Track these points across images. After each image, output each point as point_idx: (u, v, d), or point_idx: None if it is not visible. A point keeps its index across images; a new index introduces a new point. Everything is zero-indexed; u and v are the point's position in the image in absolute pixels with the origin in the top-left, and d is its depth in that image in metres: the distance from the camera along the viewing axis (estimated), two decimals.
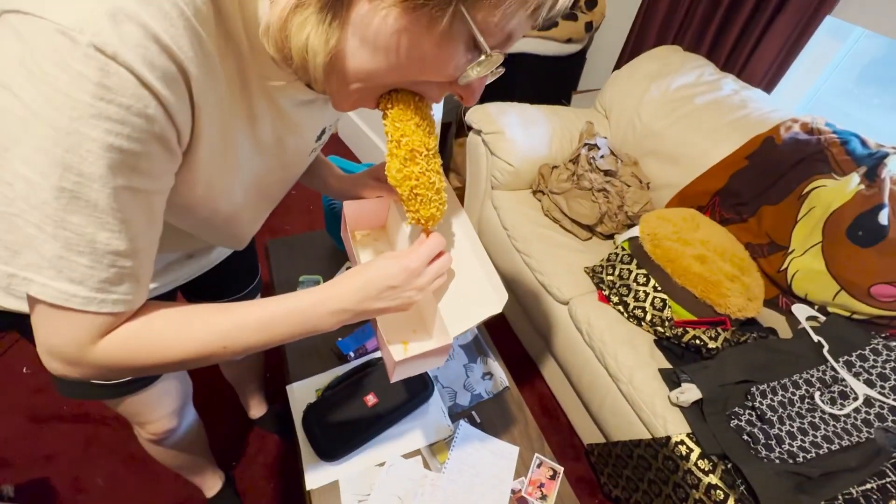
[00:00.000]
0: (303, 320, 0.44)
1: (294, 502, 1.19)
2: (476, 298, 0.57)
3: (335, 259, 1.17)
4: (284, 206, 2.05)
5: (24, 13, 0.25)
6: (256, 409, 1.27)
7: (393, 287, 0.46)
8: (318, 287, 0.46)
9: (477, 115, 1.60)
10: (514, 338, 1.65)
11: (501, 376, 1.03)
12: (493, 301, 0.55)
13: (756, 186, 1.32)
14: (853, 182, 1.14)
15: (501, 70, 0.38)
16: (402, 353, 0.56)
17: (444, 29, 0.31)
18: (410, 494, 0.83)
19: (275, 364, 1.31)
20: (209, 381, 1.22)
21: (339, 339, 0.99)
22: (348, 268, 0.77)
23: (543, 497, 0.87)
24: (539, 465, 0.91)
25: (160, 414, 0.76)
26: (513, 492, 0.86)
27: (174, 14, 0.28)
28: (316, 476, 0.82)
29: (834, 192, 1.15)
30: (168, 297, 0.69)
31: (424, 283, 0.48)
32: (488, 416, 0.96)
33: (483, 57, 0.34)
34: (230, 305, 0.43)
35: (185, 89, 0.31)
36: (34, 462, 1.15)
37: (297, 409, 0.88)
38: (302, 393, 0.91)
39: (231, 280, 0.87)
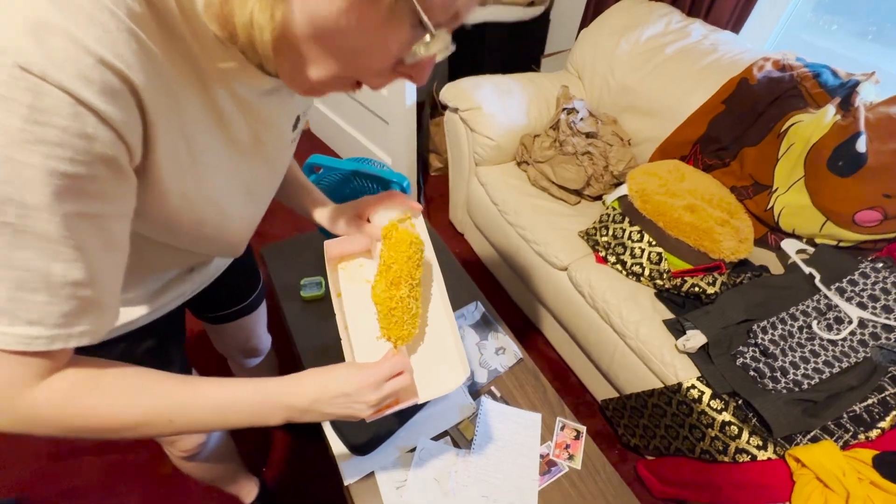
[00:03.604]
0: (255, 411, 0.44)
1: (331, 498, 1.21)
2: (446, 369, 0.61)
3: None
4: (268, 211, 2.03)
5: None
6: None
7: (346, 395, 0.46)
8: (276, 379, 0.45)
9: (451, 93, 1.58)
10: (518, 310, 1.68)
11: (514, 349, 1.05)
12: (459, 374, 0.59)
13: (735, 130, 1.34)
14: (829, 114, 1.16)
15: (451, 49, 0.36)
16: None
17: (388, 5, 0.29)
18: (445, 474, 0.85)
19: (289, 366, 1.31)
20: None
21: None
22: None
23: (571, 457, 0.91)
24: (562, 428, 0.94)
25: None
26: (541, 457, 0.89)
27: (105, 19, 0.26)
28: (352, 470, 0.84)
29: (811, 127, 1.17)
30: (176, 315, 0.68)
31: (376, 401, 0.48)
32: (507, 389, 0.99)
33: (428, 37, 0.33)
34: (190, 378, 0.42)
35: (131, 101, 0.29)
36: (62, 498, 1.15)
37: None
38: None
39: (235, 289, 0.86)
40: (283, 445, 1.31)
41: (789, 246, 1.20)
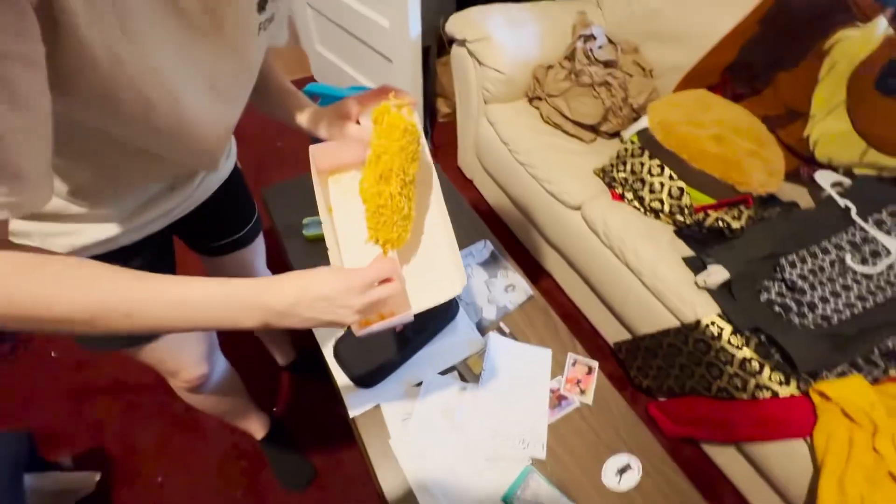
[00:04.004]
0: (226, 307, 0.40)
1: (340, 433, 1.23)
2: (440, 278, 0.55)
3: None
4: (275, 159, 1.98)
5: None
6: (285, 357, 1.28)
7: (328, 299, 0.42)
8: (251, 279, 0.42)
9: (458, 24, 1.46)
10: (528, 254, 1.63)
11: (524, 286, 1.01)
12: (455, 282, 0.54)
13: (770, 53, 1.22)
14: (880, 27, 1.04)
15: None
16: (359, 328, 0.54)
17: None
18: (451, 408, 0.83)
19: None
20: (231, 334, 1.22)
21: None
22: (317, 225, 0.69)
23: (582, 392, 0.88)
24: (574, 364, 0.91)
25: (188, 361, 0.75)
26: (552, 392, 0.87)
27: None
28: (357, 404, 0.82)
29: (859, 43, 1.05)
30: (162, 240, 0.65)
31: (361, 306, 0.44)
32: (517, 326, 0.95)
33: None
34: (149, 274, 0.38)
35: None
36: (84, 433, 1.19)
37: (326, 343, 0.87)
38: (328, 329, 0.90)
39: (229, 219, 0.83)
40: (289, 383, 1.32)
41: (823, 178, 1.11)
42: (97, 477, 1.06)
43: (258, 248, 0.92)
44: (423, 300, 0.50)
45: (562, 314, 1.50)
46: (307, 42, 2.14)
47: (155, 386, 1.26)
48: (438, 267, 0.56)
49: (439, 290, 0.52)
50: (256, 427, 1.11)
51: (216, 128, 0.50)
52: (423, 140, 0.54)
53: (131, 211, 0.57)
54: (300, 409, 1.27)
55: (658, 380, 1.18)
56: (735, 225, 1.06)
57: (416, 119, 0.52)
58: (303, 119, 0.63)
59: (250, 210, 0.87)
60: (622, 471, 0.78)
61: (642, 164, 1.18)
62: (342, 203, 0.60)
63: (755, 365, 0.92)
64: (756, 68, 1.24)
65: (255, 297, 0.41)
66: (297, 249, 0.99)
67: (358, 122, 0.58)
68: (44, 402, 1.24)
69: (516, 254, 1.63)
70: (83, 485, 1.04)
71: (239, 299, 0.40)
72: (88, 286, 0.35)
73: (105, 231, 0.55)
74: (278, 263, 1.15)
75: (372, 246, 0.51)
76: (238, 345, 1.27)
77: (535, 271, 1.59)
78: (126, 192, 0.55)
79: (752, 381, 0.92)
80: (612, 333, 1.33)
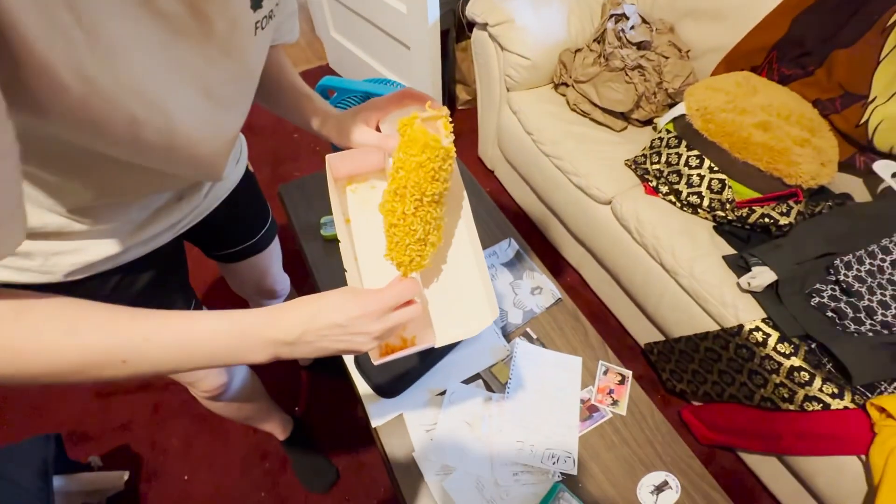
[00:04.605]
0: (229, 344, 0.36)
1: (362, 434, 1.22)
2: (469, 308, 0.50)
3: None
4: (291, 152, 1.94)
5: None
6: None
7: (341, 325, 0.38)
8: (256, 310, 0.38)
9: (479, 6, 1.38)
10: (552, 249, 1.57)
11: (552, 288, 0.96)
12: (485, 314, 0.49)
13: (825, 28, 1.11)
14: None
15: None
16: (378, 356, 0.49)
17: None
18: (478, 418, 0.80)
19: None
20: None
21: None
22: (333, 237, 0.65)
23: (615, 402, 0.83)
24: (606, 372, 0.86)
25: (206, 371, 0.73)
26: (582, 402, 0.82)
27: None
28: (379, 413, 0.80)
29: None
30: (174, 250, 0.63)
31: (378, 332, 0.40)
32: (544, 331, 0.90)
33: None
34: (145, 312, 0.35)
35: None
36: (111, 432, 1.21)
37: None
38: None
39: (242, 225, 0.80)
40: (309, 383, 1.31)
41: (883, 168, 1.01)
42: (125, 476, 1.08)
43: (273, 252, 0.89)
44: (449, 332, 0.46)
45: (588, 312, 1.46)
46: (322, 29, 2.08)
47: (180, 386, 1.26)
48: (467, 296, 0.51)
49: (467, 320, 0.47)
50: (279, 429, 1.11)
51: (216, 138, 0.46)
52: (455, 163, 0.49)
53: (137, 224, 0.54)
54: (322, 408, 1.26)
55: (693, 384, 1.12)
56: (783, 221, 0.98)
57: (446, 136, 0.46)
58: (317, 123, 0.58)
59: (264, 215, 0.84)
60: (659, 489, 0.73)
61: (679, 155, 1.10)
62: (361, 214, 0.55)
63: (805, 375, 0.85)
64: (808, 46, 1.13)
65: (260, 329, 0.37)
66: (316, 250, 0.96)
67: (378, 129, 0.53)
68: (72, 403, 1.26)
69: (539, 248, 1.57)
70: (112, 484, 1.06)
71: (243, 334, 0.37)
72: (77, 330, 0.32)
73: (111, 247, 0.53)
74: (296, 264, 1.13)
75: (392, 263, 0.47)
76: None
77: (559, 266, 1.53)
78: (129, 206, 0.52)
79: (801, 393, 0.86)
80: (643, 333, 1.27)
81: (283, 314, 0.38)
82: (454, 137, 0.47)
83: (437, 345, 0.45)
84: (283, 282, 0.98)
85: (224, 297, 1.22)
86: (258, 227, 0.83)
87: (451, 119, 0.48)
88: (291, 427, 1.13)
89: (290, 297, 1.09)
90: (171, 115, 0.37)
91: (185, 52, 0.35)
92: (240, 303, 1.07)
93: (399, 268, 0.45)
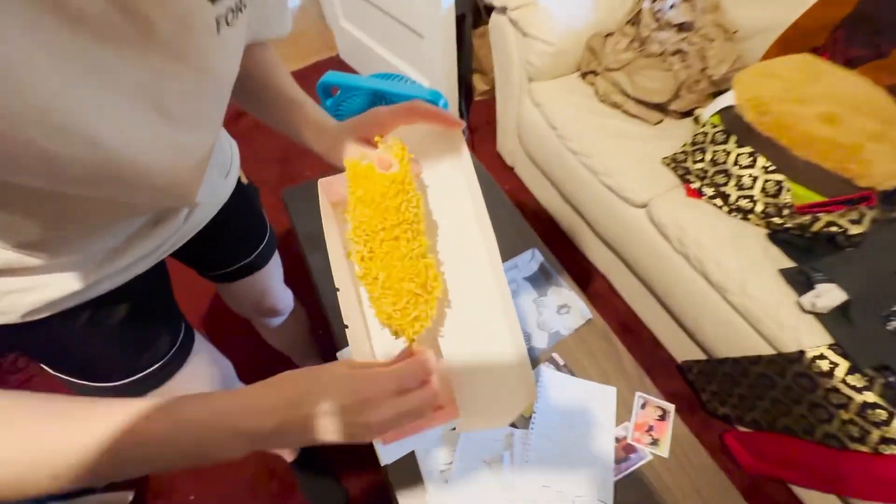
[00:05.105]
0: (195, 442, 0.29)
1: (372, 456, 1.15)
2: (500, 387, 0.38)
3: None
4: (300, 148, 1.87)
5: None
6: None
7: (330, 415, 0.30)
8: (226, 393, 0.31)
9: None
10: (578, 253, 1.45)
11: (581, 306, 0.85)
12: (518, 398, 0.37)
13: None
14: None
15: None
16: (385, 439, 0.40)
17: None
18: (498, 458, 0.72)
19: (321, 324, 1.22)
20: (256, 350, 1.15)
21: None
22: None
23: (655, 442, 0.73)
24: (644, 406, 0.76)
25: None
26: (617, 440, 0.73)
27: None
28: (388, 449, 0.73)
29: None
30: (157, 275, 0.56)
31: (381, 423, 0.31)
32: (573, 356, 0.81)
33: None
34: (86, 404, 0.28)
35: None
36: None
37: None
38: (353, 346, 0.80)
39: (236, 243, 0.72)
40: None
41: None
42: (130, 497, 1.04)
43: (273, 269, 0.81)
44: (474, 416, 0.36)
45: (618, 323, 1.35)
46: (332, 19, 1.98)
47: None
48: (498, 369, 0.39)
49: (496, 393, 0.37)
50: (286, 450, 1.05)
51: (180, 163, 0.37)
52: (470, 174, 0.40)
53: (107, 254, 0.47)
54: None
55: (739, 409, 1.00)
56: (853, 230, 0.84)
57: (463, 166, 0.39)
58: (311, 137, 0.49)
59: (260, 230, 0.75)
60: None
61: (727, 153, 0.97)
62: None
63: (881, 413, 0.73)
64: (881, 22, 0.98)
65: (228, 420, 0.29)
66: (321, 262, 0.88)
67: (376, 145, 0.44)
68: None
69: (563, 252, 1.46)
70: None
71: (209, 426, 0.29)
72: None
73: (76, 281, 0.45)
74: (301, 272, 1.05)
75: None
76: (262, 367, 1.20)
77: (586, 272, 1.42)
78: (93, 236, 0.44)
79: (876, 433, 0.74)
80: (680, 349, 1.16)
81: (259, 397, 0.30)
82: (411, 158, 0.40)
83: (461, 430, 0.35)
84: (285, 299, 0.91)
85: (223, 316, 1.15)
86: (254, 244, 0.75)
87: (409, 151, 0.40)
88: (299, 448, 1.07)
89: (296, 314, 1.03)
90: (103, 142, 0.28)
91: (118, 62, 0.27)
92: (241, 320, 1.00)
93: (401, 335, 0.36)
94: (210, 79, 0.35)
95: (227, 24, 0.33)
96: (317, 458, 1.11)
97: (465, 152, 0.41)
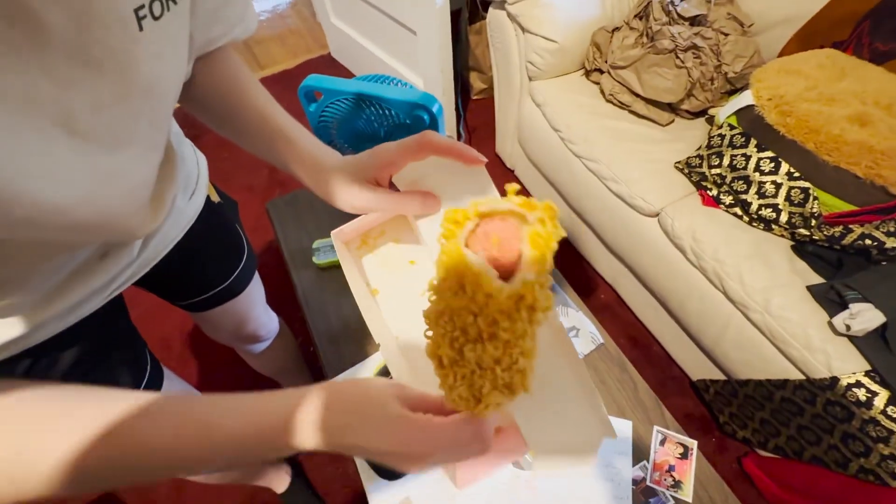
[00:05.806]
0: (234, 457, 0.29)
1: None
2: (573, 425, 0.34)
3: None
4: None
5: None
6: None
7: (379, 454, 0.29)
8: (277, 396, 0.30)
9: None
10: (584, 262, 1.38)
11: (592, 330, 0.78)
12: (594, 434, 0.34)
13: None
14: None
15: None
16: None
17: None
18: (503, 502, 0.65)
19: (308, 339, 1.14)
20: (243, 376, 1.07)
21: None
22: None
23: (676, 484, 0.66)
24: (663, 442, 0.69)
25: None
26: (634, 482, 0.66)
27: None
28: (381, 497, 0.65)
29: None
30: (111, 310, 0.48)
31: (433, 466, 0.32)
32: None
33: None
34: (122, 410, 0.27)
35: None
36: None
37: None
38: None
39: (209, 269, 0.64)
40: None
41: None
42: None
43: (252, 294, 0.73)
44: (550, 457, 0.32)
45: (627, 337, 1.27)
46: (323, 15, 1.90)
47: None
48: (565, 407, 0.35)
49: (571, 437, 0.33)
50: (277, 482, 0.99)
51: (104, 188, 0.29)
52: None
53: (45, 295, 0.39)
54: (323, 458, 1.12)
55: (761, 434, 0.93)
56: (890, 244, 0.77)
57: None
58: (304, 176, 0.41)
59: (237, 251, 0.67)
60: None
61: (746, 157, 0.89)
62: (388, 277, 0.43)
63: None
64: None
65: (277, 437, 0.29)
66: (307, 279, 0.81)
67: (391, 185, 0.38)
68: None
69: (570, 263, 1.38)
70: None
71: (245, 446, 0.29)
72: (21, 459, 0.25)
73: (9, 328, 0.38)
74: (286, 295, 0.97)
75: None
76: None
77: (591, 282, 1.35)
78: (25, 277, 0.37)
79: None
80: (694, 366, 1.08)
81: (304, 413, 0.29)
82: (556, 248, 0.26)
83: (539, 470, 0.38)
84: (267, 324, 0.83)
85: (205, 340, 1.07)
86: (230, 268, 0.67)
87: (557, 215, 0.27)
88: (289, 479, 1.00)
89: (282, 338, 0.95)
90: (18, 166, 0.22)
91: (6, 72, 0.20)
92: (223, 345, 0.92)
93: (458, 405, 0.28)
94: (132, 85, 0.27)
95: (154, 17, 0.26)
96: (308, 489, 1.04)
97: (493, 192, 0.35)
